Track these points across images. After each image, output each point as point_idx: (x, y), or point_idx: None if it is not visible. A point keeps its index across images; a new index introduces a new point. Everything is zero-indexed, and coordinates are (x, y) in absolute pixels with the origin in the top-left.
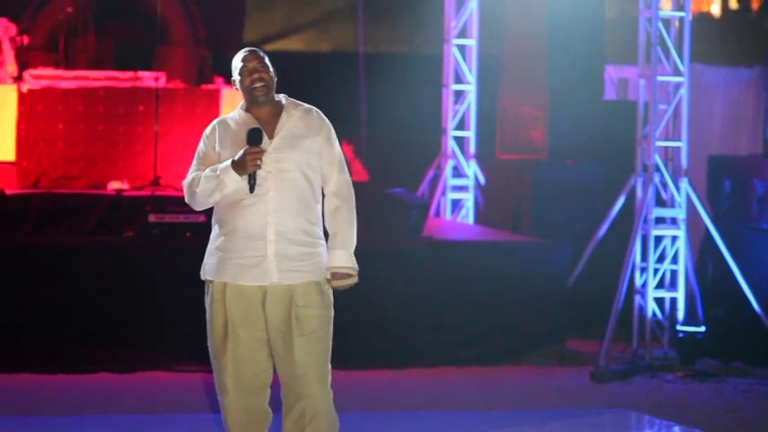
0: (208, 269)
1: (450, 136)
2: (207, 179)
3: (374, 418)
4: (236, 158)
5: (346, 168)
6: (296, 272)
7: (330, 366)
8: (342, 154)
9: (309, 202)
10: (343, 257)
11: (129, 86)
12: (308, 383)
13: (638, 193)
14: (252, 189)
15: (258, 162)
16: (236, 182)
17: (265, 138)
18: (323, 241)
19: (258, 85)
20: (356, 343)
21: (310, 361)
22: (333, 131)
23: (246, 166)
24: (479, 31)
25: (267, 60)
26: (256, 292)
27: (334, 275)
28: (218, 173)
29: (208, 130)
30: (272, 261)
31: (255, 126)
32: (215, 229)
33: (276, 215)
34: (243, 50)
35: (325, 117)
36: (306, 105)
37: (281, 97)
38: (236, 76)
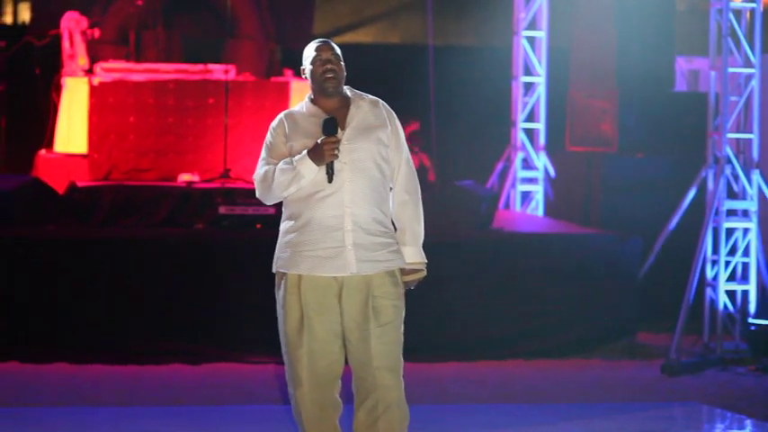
0: (281, 262)
1: (519, 128)
2: (282, 171)
3: (443, 410)
4: (312, 149)
5: (412, 161)
6: (373, 262)
7: (402, 357)
8: (407, 147)
9: (382, 192)
10: (414, 253)
11: (199, 79)
12: (383, 374)
13: (710, 185)
14: (330, 179)
15: (336, 152)
16: (313, 172)
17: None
18: (393, 231)
19: (329, 75)
20: (425, 335)
21: (385, 351)
22: (400, 124)
23: (324, 156)
24: (549, 23)
25: (339, 53)
26: (332, 284)
27: (406, 271)
28: (294, 164)
29: (275, 123)
30: (350, 251)
31: (327, 116)
32: (287, 223)
33: (352, 205)
34: (316, 41)
35: (391, 109)
36: (371, 97)
37: (346, 89)
38: (307, 65)
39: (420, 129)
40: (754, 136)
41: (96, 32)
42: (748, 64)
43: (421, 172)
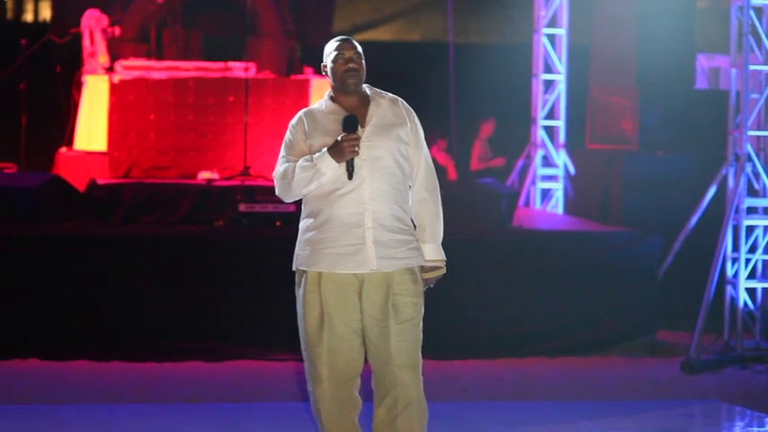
0: (301, 260)
1: (539, 125)
2: (303, 169)
3: (463, 407)
4: (332, 146)
5: (431, 158)
6: (393, 259)
7: (421, 355)
8: (426, 145)
9: (401, 189)
10: (434, 251)
11: (219, 77)
12: (402, 371)
13: (730, 183)
14: (350, 176)
15: (356, 149)
16: (333, 169)
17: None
18: (413, 229)
19: (351, 73)
20: (445, 333)
21: (405, 349)
22: (419, 122)
23: (344, 153)
24: (569, 21)
25: (361, 51)
26: (353, 281)
27: (425, 269)
28: (314, 161)
29: (295, 121)
30: (370, 249)
31: (347, 114)
32: (307, 221)
33: (372, 203)
34: (338, 38)
35: (410, 107)
36: (390, 95)
37: (366, 87)
38: (328, 63)
39: (442, 127)
40: None
41: (117, 30)
42: None
43: (439, 170)
